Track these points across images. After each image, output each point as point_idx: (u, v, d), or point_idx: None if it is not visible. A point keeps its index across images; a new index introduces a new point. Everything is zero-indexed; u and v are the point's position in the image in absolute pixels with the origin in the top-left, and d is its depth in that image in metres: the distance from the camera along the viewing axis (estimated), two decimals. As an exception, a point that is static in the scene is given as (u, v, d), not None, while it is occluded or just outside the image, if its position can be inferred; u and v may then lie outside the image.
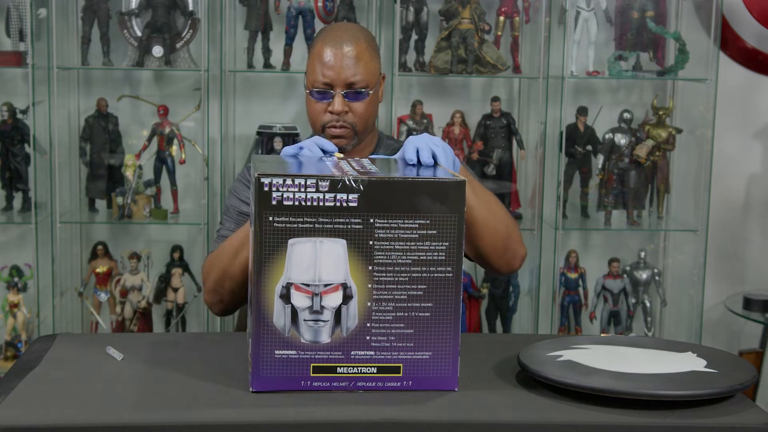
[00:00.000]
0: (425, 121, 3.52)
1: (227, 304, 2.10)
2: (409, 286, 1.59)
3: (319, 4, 3.46)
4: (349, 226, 1.57)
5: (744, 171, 3.83)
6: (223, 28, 3.41)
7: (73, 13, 3.52)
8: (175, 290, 3.53)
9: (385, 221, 1.57)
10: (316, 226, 1.56)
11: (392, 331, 1.60)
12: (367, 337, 1.60)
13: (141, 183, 3.49)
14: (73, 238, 3.61)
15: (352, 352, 1.60)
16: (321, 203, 1.56)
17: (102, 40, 3.46)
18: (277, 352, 1.59)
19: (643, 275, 3.65)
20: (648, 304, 3.65)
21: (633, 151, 3.54)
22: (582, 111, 3.56)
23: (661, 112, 3.55)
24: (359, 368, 1.60)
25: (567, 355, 1.70)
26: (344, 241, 1.57)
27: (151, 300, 3.52)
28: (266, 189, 1.56)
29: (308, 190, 1.56)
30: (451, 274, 1.59)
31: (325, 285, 1.58)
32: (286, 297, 1.58)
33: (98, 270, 3.53)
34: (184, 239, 3.62)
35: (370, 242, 1.57)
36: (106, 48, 3.47)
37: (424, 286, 1.59)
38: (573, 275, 3.59)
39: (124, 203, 3.45)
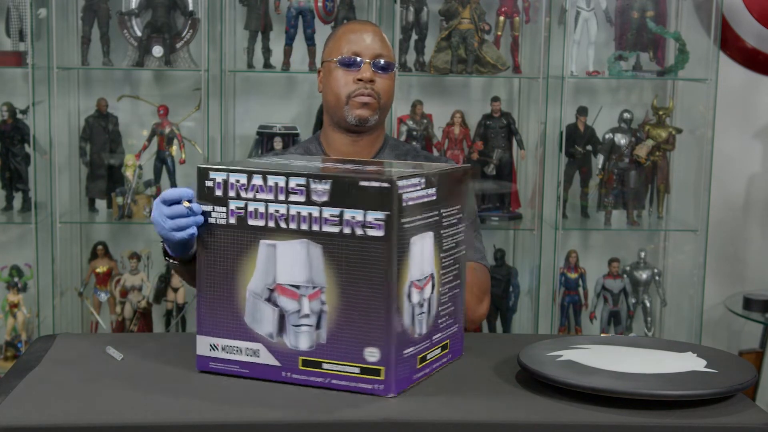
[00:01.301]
0: (425, 121, 3.52)
1: None
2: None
3: (319, 4, 3.46)
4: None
5: (744, 171, 3.83)
6: (223, 28, 3.41)
7: (73, 13, 3.52)
8: (175, 290, 3.53)
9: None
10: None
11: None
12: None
13: (141, 183, 3.49)
14: (73, 238, 3.61)
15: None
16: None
17: (102, 40, 3.46)
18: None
19: (643, 275, 3.65)
20: (648, 304, 3.65)
21: (633, 151, 3.54)
22: (582, 111, 3.56)
23: (661, 112, 3.55)
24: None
25: (567, 355, 1.70)
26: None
27: (151, 300, 3.52)
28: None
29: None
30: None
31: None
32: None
33: (98, 270, 3.53)
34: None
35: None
36: (106, 48, 3.47)
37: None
38: (573, 275, 3.59)
39: (124, 203, 3.45)
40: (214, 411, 1.51)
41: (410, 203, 1.57)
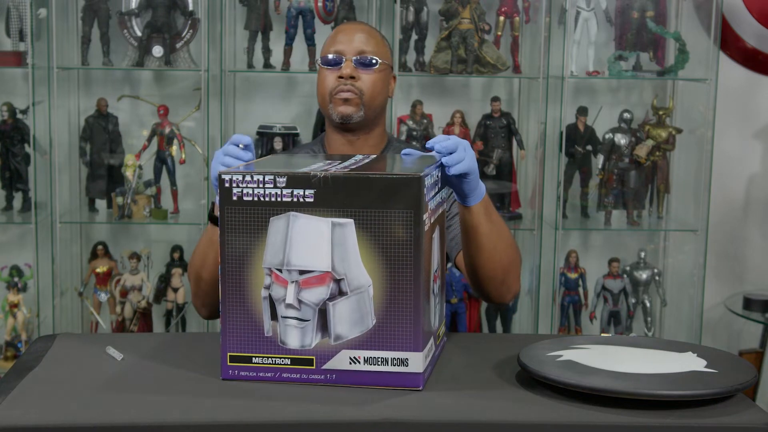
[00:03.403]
0: (425, 121, 3.52)
1: (209, 307, 2.14)
2: None
3: (319, 4, 3.46)
4: None
5: (744, 171, 3.83)
6: (223, 28, 3.41)
7: (73, 13, 3.52)
8: (175, 290, 3.53)
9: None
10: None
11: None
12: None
13: (141, 183, 3.49)
14: (73, 238, 3.61)
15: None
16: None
17: (102, 40, 3.46)
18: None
19: (643, 275, 3.65)
20: (648, 304, 3.65)
21: (633, 151, 3.54)
22: (582, 111, 3.56)
23: (661, 112, 3.55)
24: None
25: (567, 355, 1.70)
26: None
27: (151, 300, 3.52)
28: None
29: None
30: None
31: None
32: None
33: (98, 270, 3.53)
34: (184, 239, 3.62)
35: None
36: (106, 48, 3.47)
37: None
38: (573, 275, 3.59)
39: (124, 203, 3.45)
40: (214, 410, 1.51)
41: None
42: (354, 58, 2.17)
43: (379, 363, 1.58)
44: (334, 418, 1.50)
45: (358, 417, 1.50)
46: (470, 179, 1.84)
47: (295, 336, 1.57)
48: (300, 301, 1.56)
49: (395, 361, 1.58)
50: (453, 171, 1.76)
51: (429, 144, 1.78)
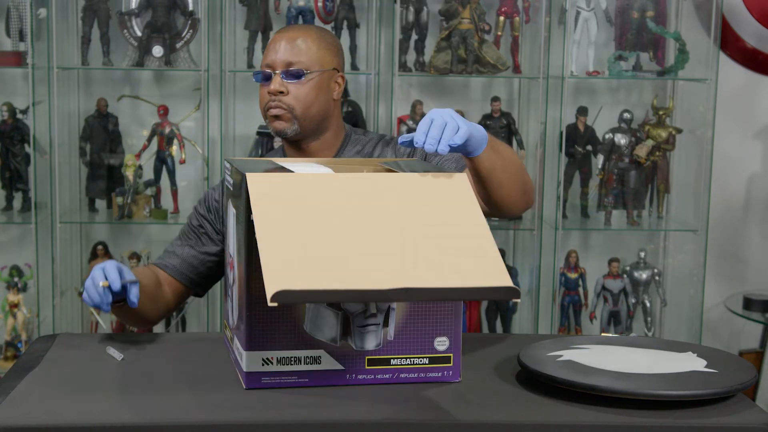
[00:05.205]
0: (425, 121, 3.52)
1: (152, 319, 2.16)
2: None
3: (319, 4, 3.46)
4: None
5: (744, 171, 3.83)
6: (223, 28, 3.41)
7: (73, 13, 3.52)
8: (175, 290, 3.53)
9: None
10: None
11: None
12: None
13: (141, 183, 3.49)
14: (73, 238, 3.61)
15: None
16: None
17: (102, 40, 3.47)
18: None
19: (643, 275, 3.65)
20: (648, 304, 3.65)
21: (633, 151, 3.54)
22: (582, 111, 3.56)
23: (661, 112, 3.55)
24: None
25: (567, 355, 1.71)
26: None
27: (151, 300, 3.52)
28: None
29: None
30: None
31: None
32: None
33: (98, 270, 3.52)
34: (184, 239, 3.61)
35: None
36: (106, 48, 3.47)
37: None
38: (573, 275, 3.59)
39: (124, 203, 3.45)
40: (214, 411, 1.51)
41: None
42: (282, 71, 2.11)
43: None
44: (334, 418, 1.50)
45: (358, 417, 1.50)
46: (470, 141, 1.73)
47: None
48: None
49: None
50: (445, 146, 1.65)
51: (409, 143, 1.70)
